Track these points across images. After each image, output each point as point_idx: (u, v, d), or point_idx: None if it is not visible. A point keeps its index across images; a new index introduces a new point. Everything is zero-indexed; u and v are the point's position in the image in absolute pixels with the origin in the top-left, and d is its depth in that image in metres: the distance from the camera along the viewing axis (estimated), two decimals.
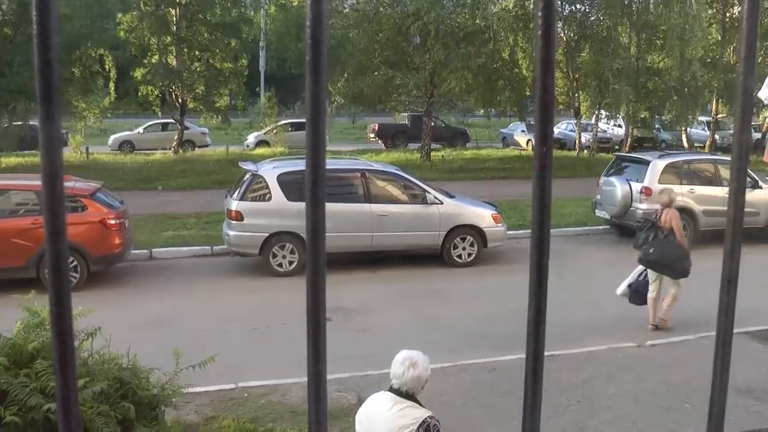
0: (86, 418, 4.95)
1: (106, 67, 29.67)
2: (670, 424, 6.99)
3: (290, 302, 11.81)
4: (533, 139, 0.90)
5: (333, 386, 7.94)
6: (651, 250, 9.99)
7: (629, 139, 34.02)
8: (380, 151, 33.62)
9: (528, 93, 31.03)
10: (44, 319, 5.65)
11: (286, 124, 37.74)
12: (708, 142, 33.97)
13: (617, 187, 15.96)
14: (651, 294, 10.08)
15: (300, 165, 14.72)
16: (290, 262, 13.26)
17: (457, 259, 13.97)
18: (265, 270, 13.20)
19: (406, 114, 39.35)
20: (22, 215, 12.40)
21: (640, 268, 10.29)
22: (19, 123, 27.69)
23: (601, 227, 17.09)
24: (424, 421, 3.96)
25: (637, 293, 10.20)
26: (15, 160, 27.25)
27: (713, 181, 16.12)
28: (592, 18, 31.89)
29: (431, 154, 30.07)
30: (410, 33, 27.08)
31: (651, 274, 10.11)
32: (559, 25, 31.41)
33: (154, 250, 14.67)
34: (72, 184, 13.19)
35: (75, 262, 12.16)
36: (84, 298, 8.88)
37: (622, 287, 10.35)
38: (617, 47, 30.08)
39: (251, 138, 36.90)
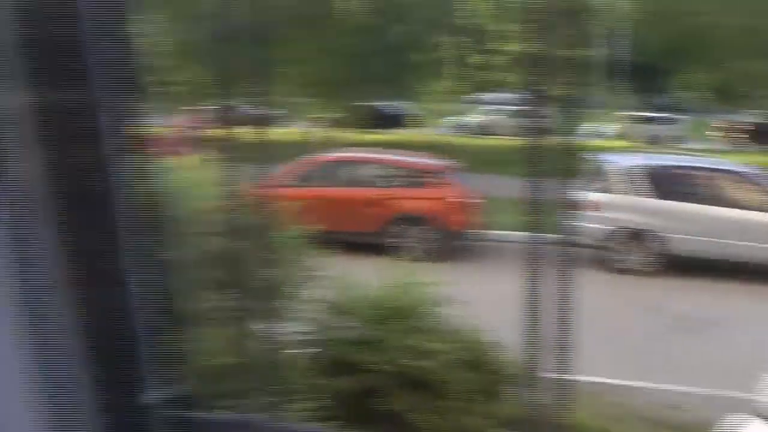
0: (442, 381, 5.08)
1: (458, 54, 30.89)
2: None
3: (634, 303, 11.20)
4: None
5: (672, 398, 7.27)
6: None
7: None
8: (745, 152, 30.26)
9: None
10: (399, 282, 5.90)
11: (641, 116, 36.50)
12: None
13: None
14: None
15: (658, 160, 13.92)
16: (640, 261, 12.52)
17: None
18: (611, 266, 12.65)
19: None
20: (377, 186, 13.44)
21: None
22: (369, 104, 30.30)
23: None
24: None
25: None
26: (370, 137, 29.56)
27: None
28: None
29: None
30: None
31: None
32: None
33: (498, 232, 14.71)
34: (426, 161, 14.07)
35: (429, 234, 12.82)
36: (438, 270, 9.23)
37: None
38: None
39: (602, 130, 36.06)
